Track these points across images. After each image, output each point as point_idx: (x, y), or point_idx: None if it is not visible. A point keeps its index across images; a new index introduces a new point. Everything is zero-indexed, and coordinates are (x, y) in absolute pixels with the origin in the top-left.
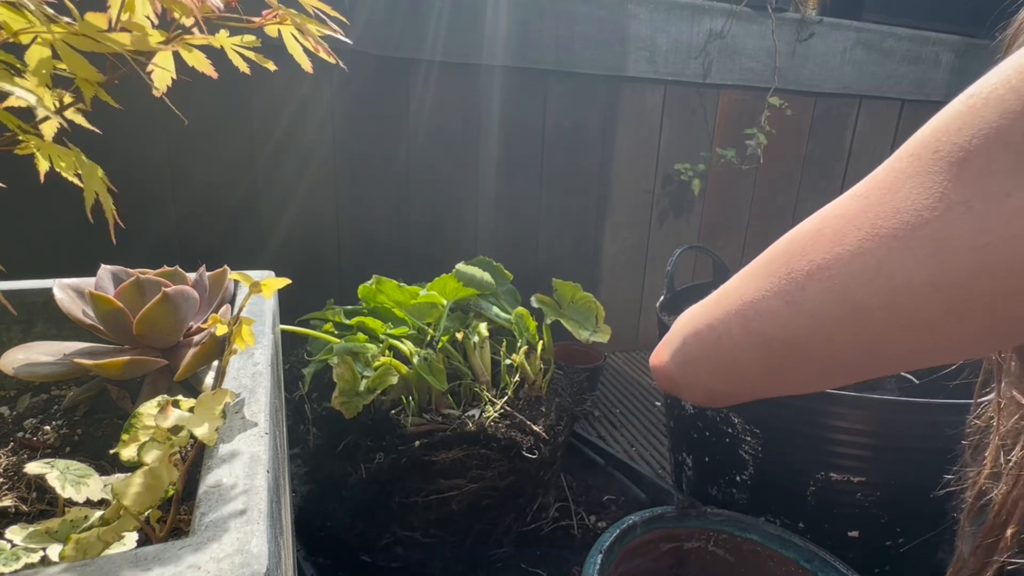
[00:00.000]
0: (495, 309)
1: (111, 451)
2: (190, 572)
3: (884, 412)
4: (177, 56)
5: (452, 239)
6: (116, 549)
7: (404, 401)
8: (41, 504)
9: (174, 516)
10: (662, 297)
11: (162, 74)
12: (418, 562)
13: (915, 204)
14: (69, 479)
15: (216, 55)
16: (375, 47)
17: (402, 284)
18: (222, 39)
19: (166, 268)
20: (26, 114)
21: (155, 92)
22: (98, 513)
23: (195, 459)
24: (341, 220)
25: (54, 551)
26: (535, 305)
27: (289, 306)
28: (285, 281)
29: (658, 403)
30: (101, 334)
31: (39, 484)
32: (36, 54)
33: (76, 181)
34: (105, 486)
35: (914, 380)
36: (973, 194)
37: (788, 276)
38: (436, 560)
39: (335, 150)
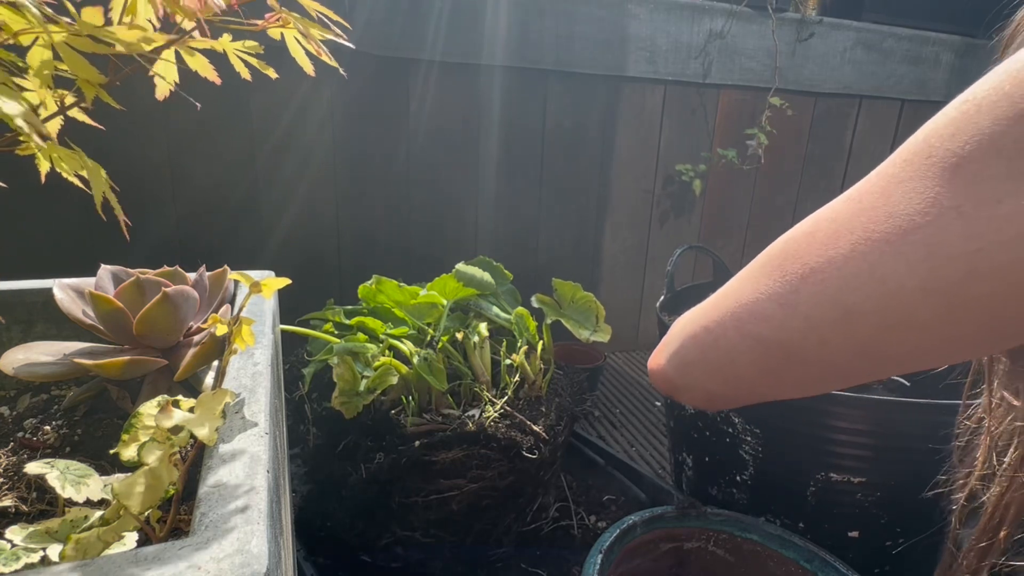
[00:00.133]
0: (495, 309)
1: (111, 451)
2: (190, 572)
3: (884, 412)
4: (179, 58)
5: (452, 239)
6: (116, 549)
7: (404, 401)
8: (41, 504)
9: (174, 516)
10: (662, 297)
11: (163, 80)
12: (418, 562)
13: (907, 209)
14: (69, 479)
15: (217, 59)
16: (375, 47)
17: (402, 284)
18: (225, 43)
19: (166, 268)
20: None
21: (158, 95)
22: (98, 513)
23: (195, 459)
24: (341, 220)
25: (54, 551)
26: (535, 305)
27: (289, 306)
28: (285, 281)
29: (658, 403)
30: (101, 334)
31: (39, 484)
32: (37, 55)
33: (76, 182)
34: (105, 486)
35: (905, 383)
36: (965, 200)
37: (782, 279)
38: (436, 560)
39: (335, 150)
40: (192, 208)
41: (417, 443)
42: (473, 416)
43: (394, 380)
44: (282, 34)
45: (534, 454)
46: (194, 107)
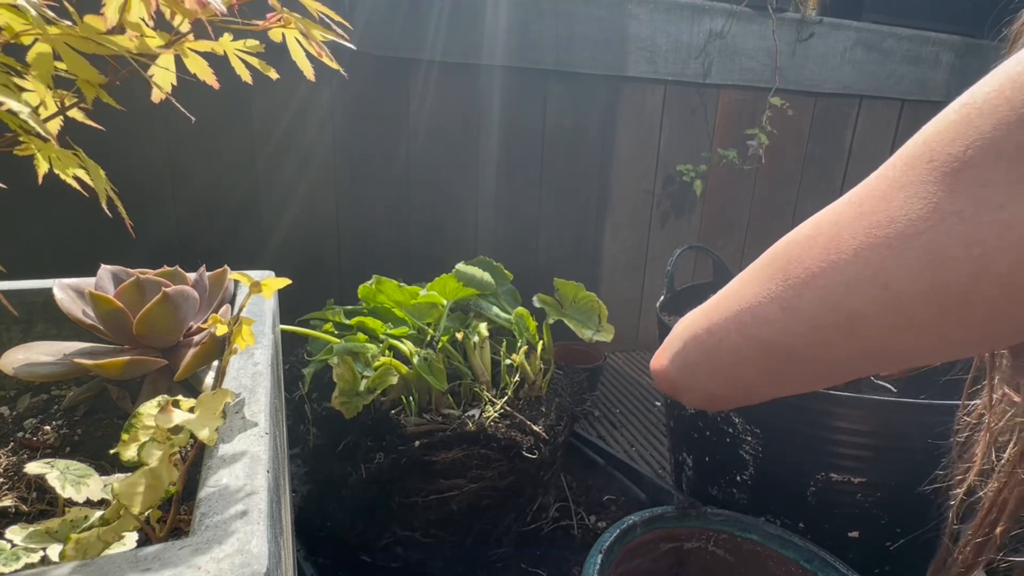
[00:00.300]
0: (495, 309)
1: (111, 451)
2: (190, 572)
3: (885, 413)
4: (178, 59)
5: (452, 239)
6: (116, 549)
7: (404, 401)
8: (41, 504)
9: (174, 516)
10: (662, 297)
11: (162, 81)
12: (418, 562)
13: (909, 213)
14: (69, 479)
15: (217, 59)
16: (375, 47)
17: (402, 284)
18: (225, 44)
19: (166, 268)
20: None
21: (154, 98)
22: (98, 513)
23: (195, 459)
24: (341, 220)
25: (54, 551)
26: (537, 305)
27: (289, 306)
28: (285, 281)
29: (658, 403)
30: (101, 334)
31: (39, 484)
32: (37, 55)
33: (73, 184)
34: (105, 486)
35: (891, 388)
36: (966, 204)
37: (784, 282)
38: (436, 560)
39: (335, 150)
40: (192, 208)
41: (417, 443)
42: (473, 416)
43: (394, 380)
44: (283, 35)
45: (534, 454)
46: (195, 108)
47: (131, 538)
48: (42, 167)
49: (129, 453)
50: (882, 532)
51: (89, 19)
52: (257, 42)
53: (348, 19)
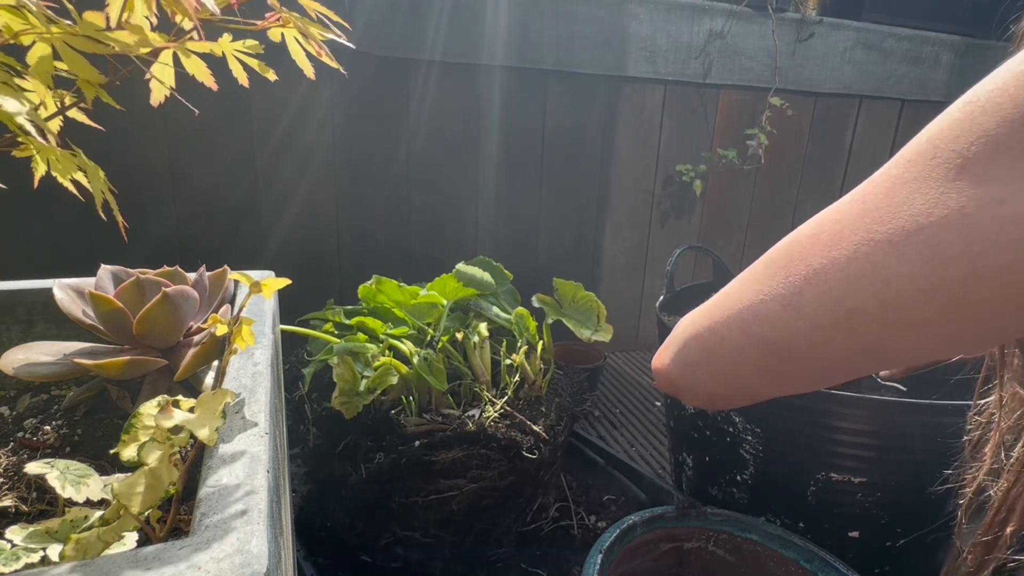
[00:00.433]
0: (495, 309)
1: (111, 451)
2: (190, 572)
3: (886, 413)
4: (177, 59)
5: (452, 239)
6: (116, 549)
7: (404, 401)
8: (41, 504)
9: (174, 516)
10: (662, 297)
11: (159, 84)
12: (418, 562)
13: (911, 210)
14: (69, 479)
15: (216, 59)
16: (375, 47)
17: (402, 284)
18: (224, 44)
19: (166, 268)
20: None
21: (152, 101)
22: (98, 513)
23: (195, 459)
24: (341, 220)
25: (54, 551)
26: (536, 305)
27: (289, 306)
28: (285, 281)
29: (658, 403)
30: (101, 334)
31: (39, 484)
32: (37, 55)
33: (70, 187)
34: (105, 486)
35: (902, 388)
36: (969, 200)
37: (786, 280)
38: (436, 560)
39: (335, 150)
40: (192, 208)
41: (417, 443)
42: (473, 416)
43: (394, 380)
44: (282, 35)
45: (534, 454)
46: (194, 107)
47: (131, 538)
48: (39, 170)
49: (129, 453)
50: (882, 532)
51: (88, 15)
52: (256, 42)
53: (348, 19)
